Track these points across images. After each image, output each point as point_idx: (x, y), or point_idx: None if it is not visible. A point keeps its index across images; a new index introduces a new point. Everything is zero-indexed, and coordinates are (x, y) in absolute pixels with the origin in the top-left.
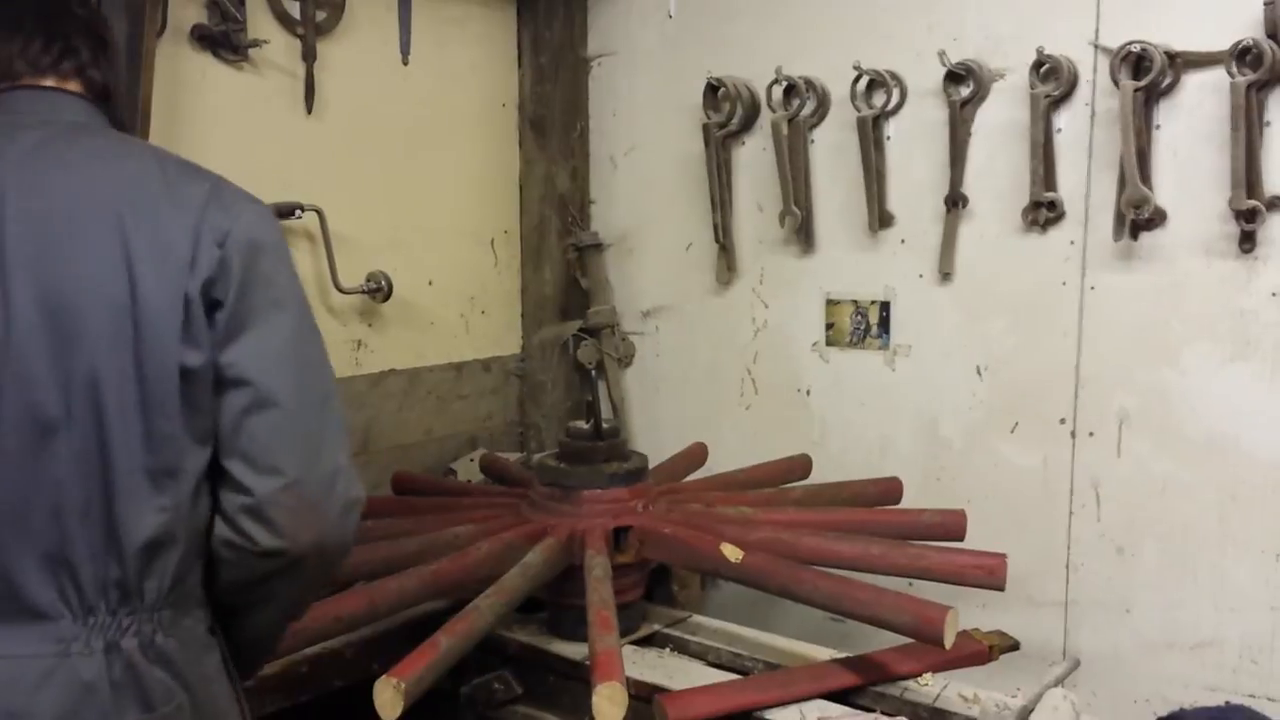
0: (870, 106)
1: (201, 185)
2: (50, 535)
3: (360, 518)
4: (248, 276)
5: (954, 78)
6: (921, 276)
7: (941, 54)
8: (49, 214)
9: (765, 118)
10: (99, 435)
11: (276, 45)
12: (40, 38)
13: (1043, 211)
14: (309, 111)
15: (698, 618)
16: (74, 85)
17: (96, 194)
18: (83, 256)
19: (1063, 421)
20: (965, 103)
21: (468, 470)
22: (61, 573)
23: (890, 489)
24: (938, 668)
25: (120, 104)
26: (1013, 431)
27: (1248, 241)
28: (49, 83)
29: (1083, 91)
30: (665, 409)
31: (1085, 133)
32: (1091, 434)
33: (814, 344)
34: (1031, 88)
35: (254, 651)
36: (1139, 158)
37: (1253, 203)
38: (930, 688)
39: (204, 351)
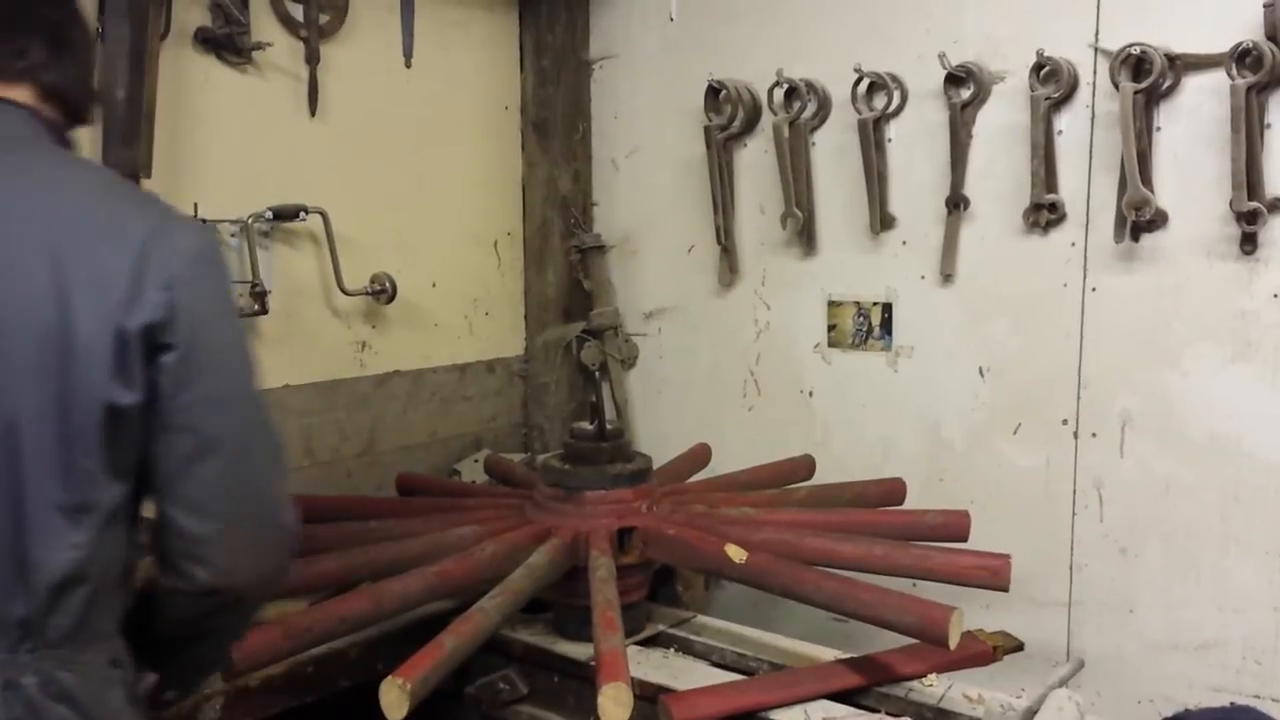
0: (871, 109)
1: (145, 219)
2: None
3: (294, 545)
4: (197, 321)
5: (954, 80)
6: (923, 278)
7: (942, 56)
8: None
9: (766, 120)
10: (13, 468)
11: (280, 48)
12: None
13: (1044, 213)
14: (313, 114)
15: (702, 618)
16: (23, 91)
17: (34, 221)
18: (14, 284)
19: (1065, 422)
20: (966, 105)
21: (472, 471)
22: None
23: (893, 490)
24: (942, 668)
25: (79, 107)
26: (1015, 433)
27: (1249, 243)
28: None
29: (1083, 94)
30: (668, 410)
31: (1086, 135)
32: (1094, 435)
33: (816, 345)
34: (1032, 90)
35: (196, 675)
36: (1140, 160)
37: (1254, 204)
38: (935, 688)
39: (137, 392)
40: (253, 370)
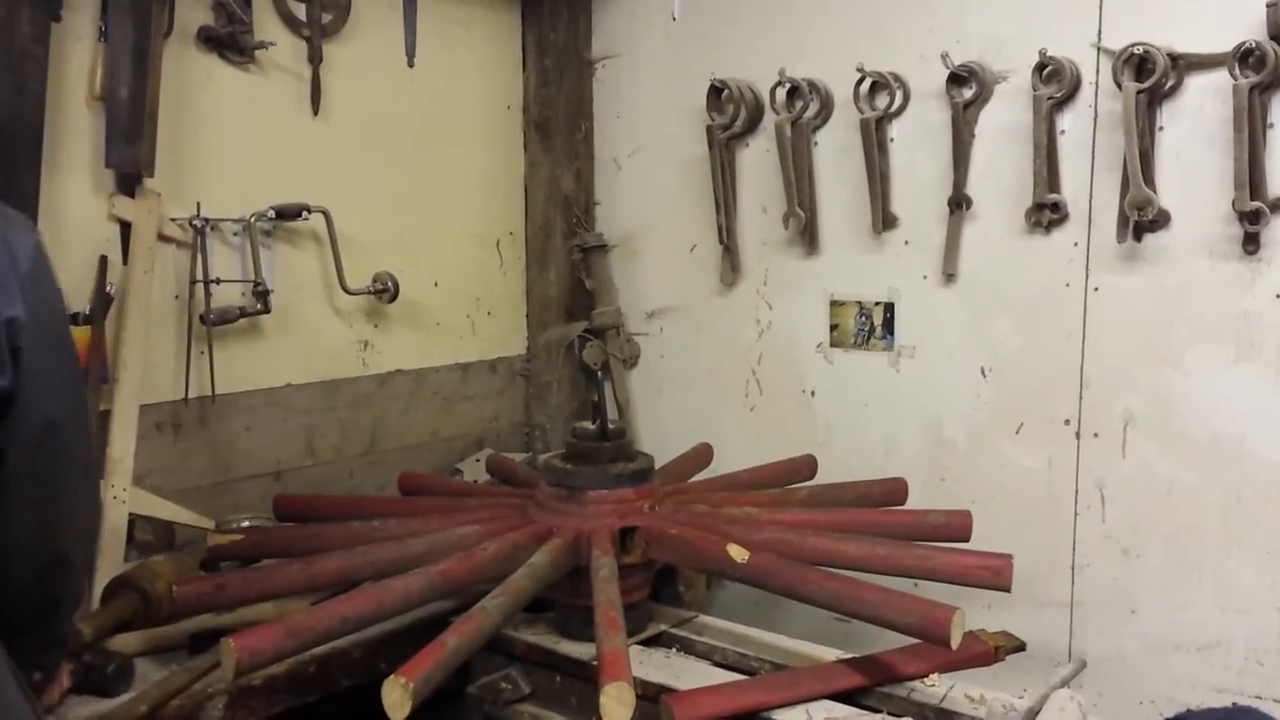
0: (873, 108)
1: None
2: None
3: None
4: (49, 312)
5: (957, 80)
6: (925, 278)
7: (944, 56)
8: None
9: (769, 119)
10: None
11: (283, 47)
12: None
13: (1046, 213)
14: (315, 113)
15: (704, 618)
16: None
17: None
18: None
19: (1067, 423)
20: (968, 104)
21: (474, 471)
22: None
23: (895, 490)
24: (944, 668)
25: None
26: (1017, 432)
27: (1251, 243)
28: None
29: (1085, 93)
30: (670, 410)
31: (1088, 134)
32: (1096, 435)
33: (818, 345)
34: (1034, 89)
35: (52, 651)
36: (1142, 159)
37: (1256, 204)
38: (936, 688)
39: (5, 377)
40: (76, 351)
